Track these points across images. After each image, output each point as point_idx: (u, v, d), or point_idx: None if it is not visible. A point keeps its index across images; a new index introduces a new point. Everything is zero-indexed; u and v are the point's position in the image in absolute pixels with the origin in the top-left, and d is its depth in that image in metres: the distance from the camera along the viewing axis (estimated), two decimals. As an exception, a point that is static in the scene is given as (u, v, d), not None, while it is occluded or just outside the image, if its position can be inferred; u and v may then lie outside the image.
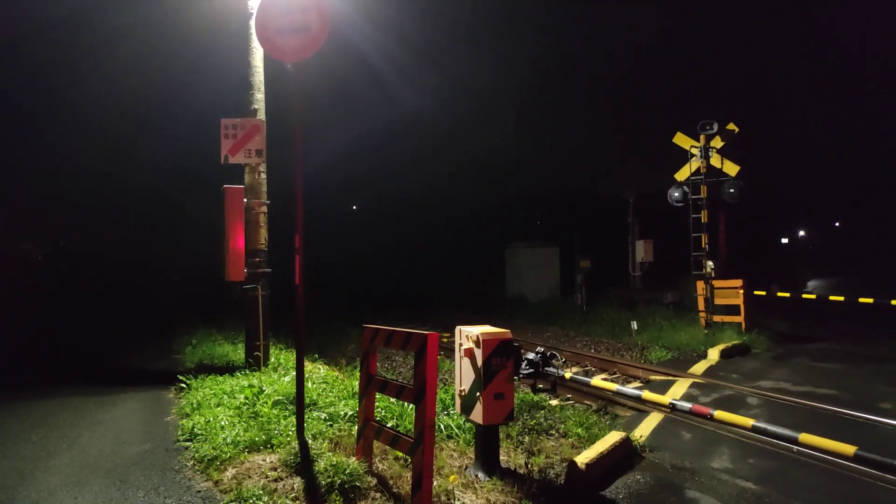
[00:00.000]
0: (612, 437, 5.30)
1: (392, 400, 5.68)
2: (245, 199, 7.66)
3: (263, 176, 7.87)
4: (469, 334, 4.51)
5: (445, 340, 11.84)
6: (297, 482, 4.19)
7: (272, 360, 8.05)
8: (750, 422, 4.23)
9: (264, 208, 7.87)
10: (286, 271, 5.45)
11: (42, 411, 6.51)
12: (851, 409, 6.51)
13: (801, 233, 57.70)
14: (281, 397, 5.98)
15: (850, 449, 3.72)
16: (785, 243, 52.46)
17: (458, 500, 4.07)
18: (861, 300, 13.73)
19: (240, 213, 7.57)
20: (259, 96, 7.92)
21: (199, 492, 4.26)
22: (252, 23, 7.62)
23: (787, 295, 16.00)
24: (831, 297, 15.52)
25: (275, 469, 4.43)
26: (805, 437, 3.90)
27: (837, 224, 57.60)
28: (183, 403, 6.48)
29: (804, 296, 17.01)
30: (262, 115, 7.87)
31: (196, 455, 4.86)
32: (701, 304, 12.52)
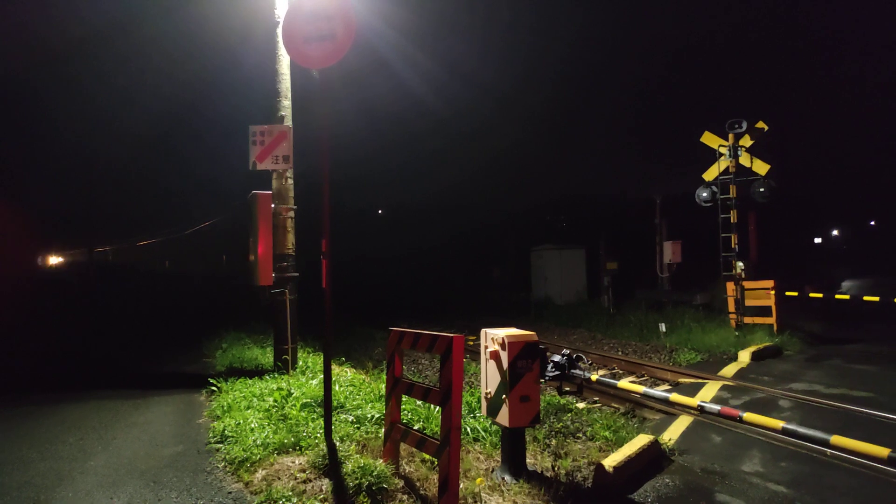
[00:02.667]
0: (641, 441, 5.25)
1: (418, 402, 5.72)
2: (272, 205, 7.77)
3: (290, 181, 7.98)
4: (494, 337, 4.52)
5: (471, 343, 11.86)
6: (326, 484, 4.24)
7: (300, 363, 8.15)
8: (780, 424, 4.17)
9: (291, 213, 7.97)
10: (313, 275, 5.53)
11: (78, 414, 6.68)
12: (888, 411, 6.36)
13: (835, 232, 56.43)
14: (309, 400, 6.05)
15: (883, 451, 3.65)
16: (818, 243, 51.37)
17: (485, 502, 4.07)
18: (897, 300, 13.38)
19: (267, 219, 7.67)
20: (286, 103, 8.03)
21: (230, 493, 4.33)
22: (279, 31, 7.74)
23: (820, 296, 15.66)
24: (866, 298, 15.16)
25: (303, 471, 4.48)
26: (837, 439, 3.83)
27: (872, 223, 56.17)
28: (214, 406, 6.60)
29: (838, 296, 16.63)
30: (288, 122, 7.98)
31: (227, 457, 4.95)
32: (731, 306, 12.34)
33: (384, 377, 5.79)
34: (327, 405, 4.96)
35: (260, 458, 4.73)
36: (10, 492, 4.46)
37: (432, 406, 5.55)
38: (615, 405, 7.83)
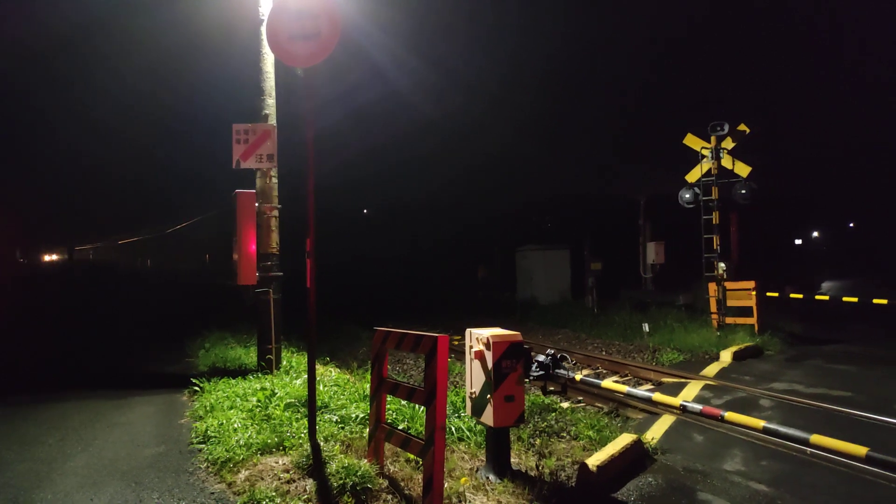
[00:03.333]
0: (624, 440, 5.29)
1: (403, 402, 5.71)
2: (256, 204, 7.73)
3: (275, 180, 7.93)
4: (479, 337, 4.53)
5: (456, 343, 11.86)
6: (310, 484, 4.22)
7: (284, 363, 8.10)
8: (761, 423, 4.22)
9: (276, 212, 7.92)
10: (298, 275, 5.50)
11: (58, 414, 6.59)
12: (866, 411, 6.46)
13: (815, 234, 57.21)
14: (293, 400, 6.02)
15: (861, 450, 3.71)
16: (798, 244, 52.05)
17: (469, 502, 4.08)
18: (875, 301, 13.59)
19: (251, 218, 7.63)
20: (270, 101, 7.98)
21: (213, 493, 4.30)
22: (263, 29, 7.69)
23: (801, 296, 15.85)
24: (845, 299, 15.37)
25: (287, 471, 4.46)
26: (816, 438, 3.88)
27: (852, 225, 56.99)
28: (196, 406, 6.54)
29: (818, 297, 16.84)
30: (273, 121, 7.93)
31: (209, 457, 4.91)
32: (713, 306, 12.45)
33: (369, 377, 5.78)
34: (311, 405, 4.94)
35: (243, 459, 4.70)
36: (-12, 494, 4.39)
37: (417, 406, 5.54)
38: (599, 405, 7.88)
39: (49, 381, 8.70)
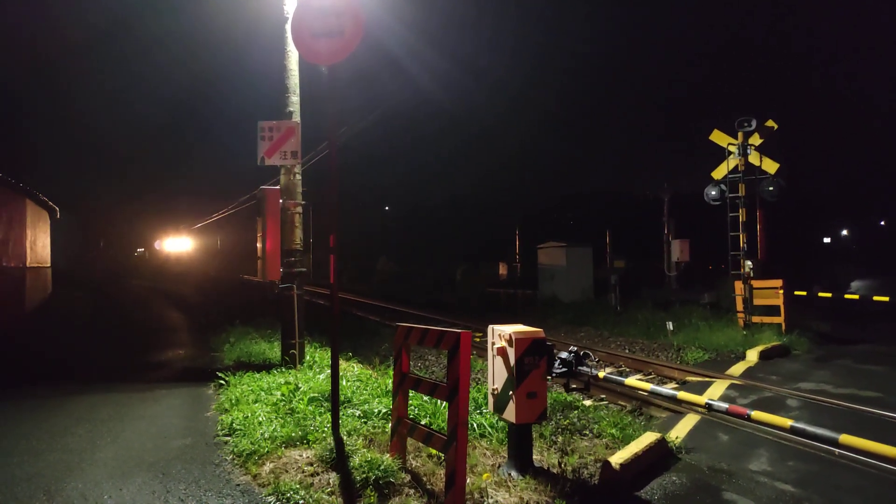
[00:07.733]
0: (647, 438, 5.24)
1: (425, 398, 5.73)
2: (280, 200, 7.79)
3: (299, 177, 8.00)
4: (502, 333, 4.52)
5: (478, 339, 11.86)
6: (333, 477, 4.26)
7: (307, 357, 8.18)
8: (788, 422, 4.15)
9: (299, 209, 7.99)
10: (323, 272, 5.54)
11: (87, 406, 6.73)
12: (897, 412, 6.32)
13: (844, 232, 56.10)
14: (316, 394, 6.07)
15: (892, 451, 3.63)
16: (827, 242, 51.10)
17: (492, 497, 4.08)
18: (907, 300, 13.30)
19: (276, 214, 7.70)
20: (294, 99, 8.04)
21: (238, 485, 4.36)
22: (288, 27, 7.76)
23: (829, 295, 15.56)
24: (875, 298, 15.05)
25: (311, 464, 4.51)
26: (846, 438, 3.81)
27: (882, 223, 55.75)
28: (222, 399, 6.64)
29: (847, 296, 16.51)
30: (297, 118, 8.00)
31: (235, 449, 4.98)
32: (739, 305, 12.29)
33: (391, 373, 5.81)
34: (335, 399, 4.98)
35: (268, 451, 4.76)
36: (21, 482, 4.50)
37: (439, 402, 5.56)
38: (622, 403, 7.82)
39: (77, 374, 8.89)
